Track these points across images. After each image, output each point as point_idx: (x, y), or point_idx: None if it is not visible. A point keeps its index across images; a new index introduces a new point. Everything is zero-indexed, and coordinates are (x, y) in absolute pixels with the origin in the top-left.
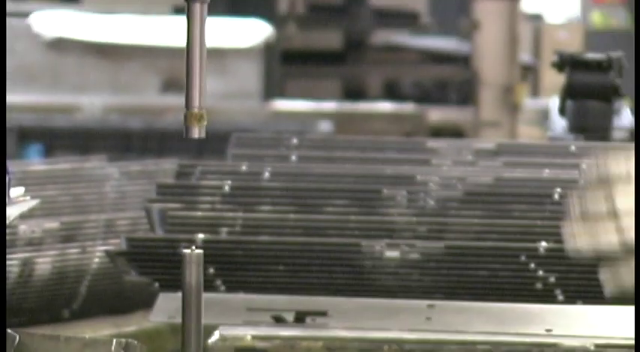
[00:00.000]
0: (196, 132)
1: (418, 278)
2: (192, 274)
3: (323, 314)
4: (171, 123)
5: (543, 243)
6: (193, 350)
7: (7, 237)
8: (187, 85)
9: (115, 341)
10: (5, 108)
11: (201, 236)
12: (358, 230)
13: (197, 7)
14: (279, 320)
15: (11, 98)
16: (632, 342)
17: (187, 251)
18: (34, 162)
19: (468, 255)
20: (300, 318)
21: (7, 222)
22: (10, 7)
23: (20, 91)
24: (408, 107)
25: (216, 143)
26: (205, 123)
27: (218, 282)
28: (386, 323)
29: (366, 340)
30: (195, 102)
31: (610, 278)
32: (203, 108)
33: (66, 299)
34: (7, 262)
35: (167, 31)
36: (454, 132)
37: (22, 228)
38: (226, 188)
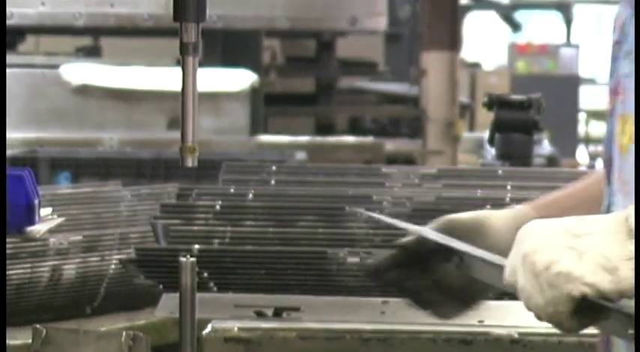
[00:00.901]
0: (190, 162)
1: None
2: (188, 278)
3: (297, 309)
4: (175, 154)
5: None
6: (189, 340)
7: (39, 248)
8: (182, 123)
9: (124, 333)
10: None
11: (197, 246)
12: (325, 240)
13: (190, 60)
14: (260, 315)
15: (44, 134)
16: (547, 331)
17: (184, 259)
18: (61, 187)
19: None
20: (277, 313)
21: (37, 236)
22: (42, 60)
23: (51, 129)
24: (368, 140)
25: (210, 170)
26: (197, 154)
27: (211, 284)
28: (348, 317)
29: (331, 330)
30: (189, 137)
31: None
32: (195, 142)
33: (88, 298)
34: (40, 269)
35: (171, 79)
36: (406, 159)
37: (52, 240)
38: (217, 207)
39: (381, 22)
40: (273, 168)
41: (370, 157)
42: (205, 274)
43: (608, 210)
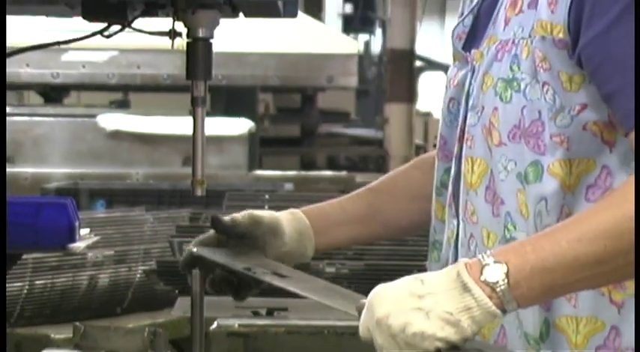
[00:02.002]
0: (199, 192)
1: (347, 286)
2: (197, 284)
3: (285, 309)
4: (188, 185)
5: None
6: (199, 335)
7: (78, 261)
8: (193, 161)
9: (147, 329)
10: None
11: None
12: None
13: (199, 111)
14: (256, 314)
15: (83, 170)
16: None
17: (194, 270)
18: (97, 212)
19: (380, 270)
20: (270, 312)
21: (78, 251)
22: (83, 111)
23: (90, 166)
24: (342, 174)
25: (216, 198)
26: (205, 186)
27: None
28: (326, 315)
29: (313, 326)
30: (199, 172)
31: None
32: (203, 176)
33: (118, 301)
34: (79, 278)
35: (185, 126)
36: None
37: (89, 254)
38: None
39: (353, 80)
40: (267, 196)
41: (344, 188)
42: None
43: (456, 237)
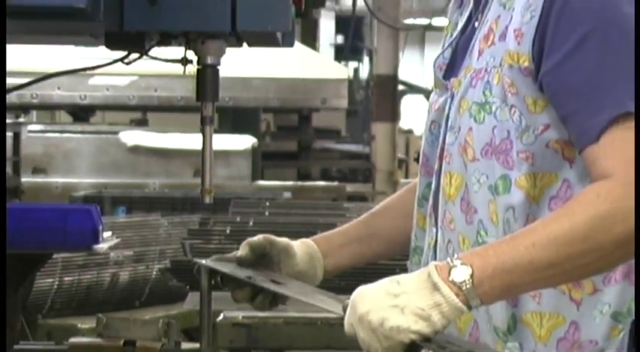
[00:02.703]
0: (207, 199)
1: (338, 282)
2: (205, 281)
3: (283, 303)
4: (198, 194)
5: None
6: (207, 325)
7: (102, 261)
8: (202, 172)
9: (161, 320)
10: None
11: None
12: None
13: (208, 128)
14: None
15: (107, 180)
16: None
17: (202, 269)
18: (119, 217)
19: (368, 268)
20: None
21: (101, 252)
22: (107, 128)
23: (112, 176)
24: (334, 184)
25: (223, 206)
26: (213, 194)
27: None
28: (319, 308)
29: (307, 318)
30: (207, 182)
31: None
32: (211, 186)
33: (136, 295)
34: (102, 275)
35: (196, 141)
36: (360, 198)
37: (111, 254)
38: (228, 231)
39: (344, 102)
40: (267, 204)
41: (335, 196)
42: (219, 278)
43: (435, 243)
